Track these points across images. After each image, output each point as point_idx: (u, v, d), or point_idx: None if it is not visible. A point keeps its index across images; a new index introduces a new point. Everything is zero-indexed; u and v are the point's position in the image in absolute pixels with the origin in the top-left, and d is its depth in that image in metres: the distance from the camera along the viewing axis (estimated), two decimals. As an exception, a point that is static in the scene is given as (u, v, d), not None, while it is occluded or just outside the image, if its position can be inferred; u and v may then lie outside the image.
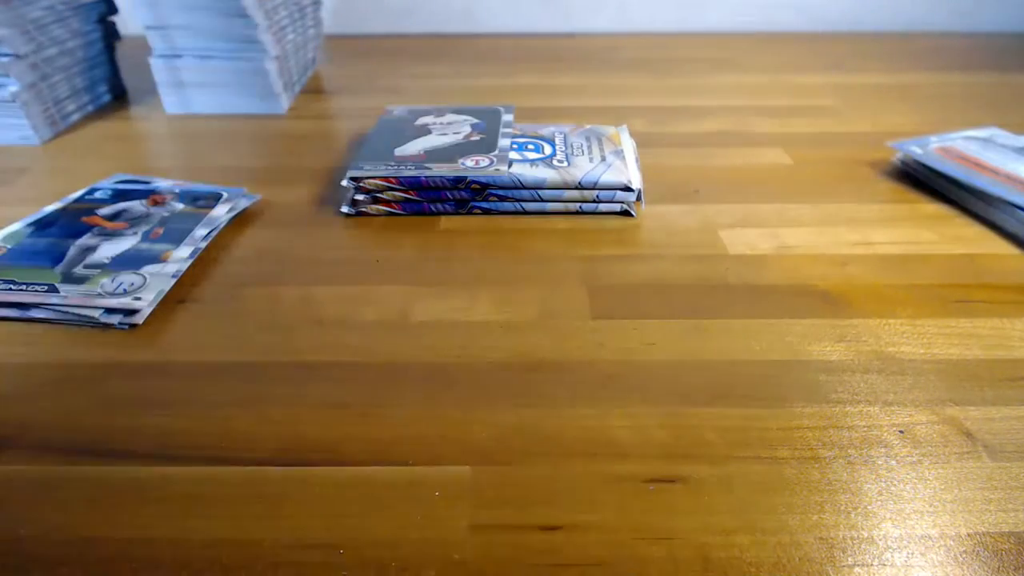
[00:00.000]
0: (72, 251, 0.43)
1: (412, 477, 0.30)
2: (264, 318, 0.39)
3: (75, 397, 0.34)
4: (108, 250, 0.44)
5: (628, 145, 0.55)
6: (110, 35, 0.74)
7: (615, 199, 0.50)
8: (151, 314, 0.39)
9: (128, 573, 0.26)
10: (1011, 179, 0.49)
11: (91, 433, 0.32)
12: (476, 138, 0.54)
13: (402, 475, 0.30)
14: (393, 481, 0.29)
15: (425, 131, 0.55)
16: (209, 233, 0.46)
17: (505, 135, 0.54)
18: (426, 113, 0.60)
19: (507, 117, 0.58)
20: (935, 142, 0.56)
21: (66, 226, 0.46)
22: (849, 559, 0.26)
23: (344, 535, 0.27)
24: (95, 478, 0.29)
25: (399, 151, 0.52)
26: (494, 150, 0.52)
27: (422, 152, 0.51)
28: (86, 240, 0.45)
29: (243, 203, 0.51)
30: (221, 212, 0.48)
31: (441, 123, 0.56)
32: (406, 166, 0.50)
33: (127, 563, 0.26)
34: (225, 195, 0.50)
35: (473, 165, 0.49)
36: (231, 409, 0.33)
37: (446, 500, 0.29)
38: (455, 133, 0.55)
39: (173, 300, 0.41)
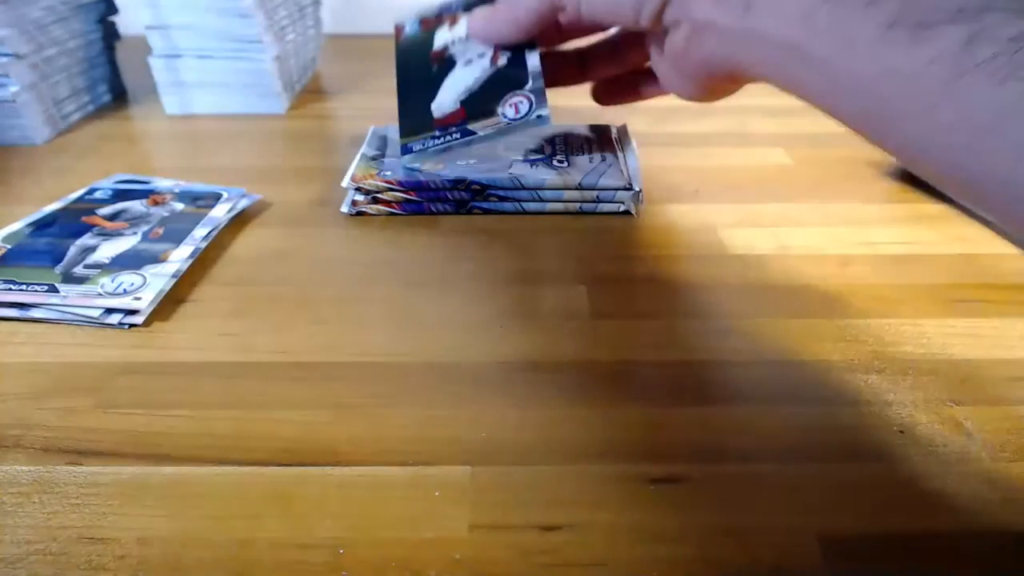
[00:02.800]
0: (72, 251, 0.43)
1: (412, 477, 0.30)
2: (264, 318, 0.39)
3: (75, 397, 0.34)
4: (108, 250, 0.44)
5: (628, 145, 0.55)
6: (110, 35, 0.74)
7: (615, 199, 0.50)
8: (151, 314, 0.39)
9: (127, 573, 0.26)
10: (1011, 179, 0.49)
11: (91, 433, 0.32)
12: (502, 61, 0.47)
13: (402, 475, 0.30)
14: (393, 481, 0.29)
15: (449, 62, 0.49)
16: (209, 233, 0.46)
17: (532, 54, 0.47)
18: (439, 23, 0.52)
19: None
20: (935, 142, 0.56)
21: (66, 226, 0.46)
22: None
23: (344, 535, 0.27)
24: (95, 478, 0.29)
25: (437, 110, 0.48)
26: (527, 81, 0.46)
27: (459, 106, 0.47)
28: (86, 240, 0.45)
29: (243, 203, 0.51)
30: (221, 212, 0.48)
31: (460, 41, 0.49)
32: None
33: (127, 563, 0.26)
34: (225, 195, 0.50)
35: (514, 114, 0.45)
36: (231, 409, 0.33)
37: (446, 500, 0.29)
38: (479, 56, 0.48)
39: (173, 300, 0.41)
